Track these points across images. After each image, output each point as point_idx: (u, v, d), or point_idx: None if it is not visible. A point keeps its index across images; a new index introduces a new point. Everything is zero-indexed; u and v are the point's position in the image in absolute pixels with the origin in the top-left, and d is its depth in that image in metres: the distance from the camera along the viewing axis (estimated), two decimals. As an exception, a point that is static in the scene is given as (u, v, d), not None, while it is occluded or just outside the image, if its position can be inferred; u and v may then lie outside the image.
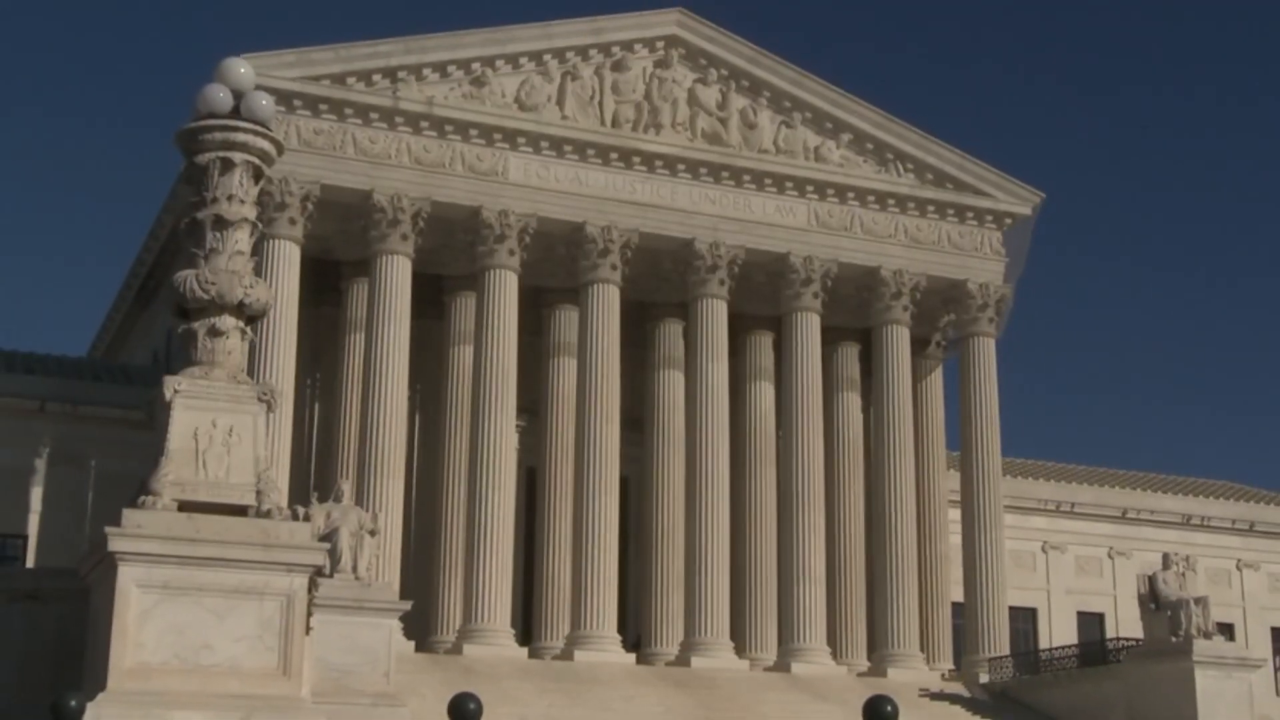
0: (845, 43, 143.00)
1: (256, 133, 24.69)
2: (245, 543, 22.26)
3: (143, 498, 22.49)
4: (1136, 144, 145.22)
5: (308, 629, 23.11)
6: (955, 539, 58.95)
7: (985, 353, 59.21)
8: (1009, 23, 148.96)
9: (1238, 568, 70.80)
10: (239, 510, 22.79)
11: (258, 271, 27.13)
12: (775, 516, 56.46)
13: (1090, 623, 66.11)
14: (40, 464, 53.21)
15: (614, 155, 54.97)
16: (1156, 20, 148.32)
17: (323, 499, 38.60)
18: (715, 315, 55.70)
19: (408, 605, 38.50)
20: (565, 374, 55.86)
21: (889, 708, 13.76)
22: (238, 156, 24.55)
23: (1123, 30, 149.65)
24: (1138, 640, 50.63)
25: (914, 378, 59.85)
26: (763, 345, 59.14)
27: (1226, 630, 60.38)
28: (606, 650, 50.95)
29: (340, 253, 54.45)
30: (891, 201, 58.70)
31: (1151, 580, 48.43)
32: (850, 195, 58.10)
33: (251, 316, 24.45)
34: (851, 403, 60.15)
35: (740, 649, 53.96)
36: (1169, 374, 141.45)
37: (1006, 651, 55.84)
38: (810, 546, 55.14)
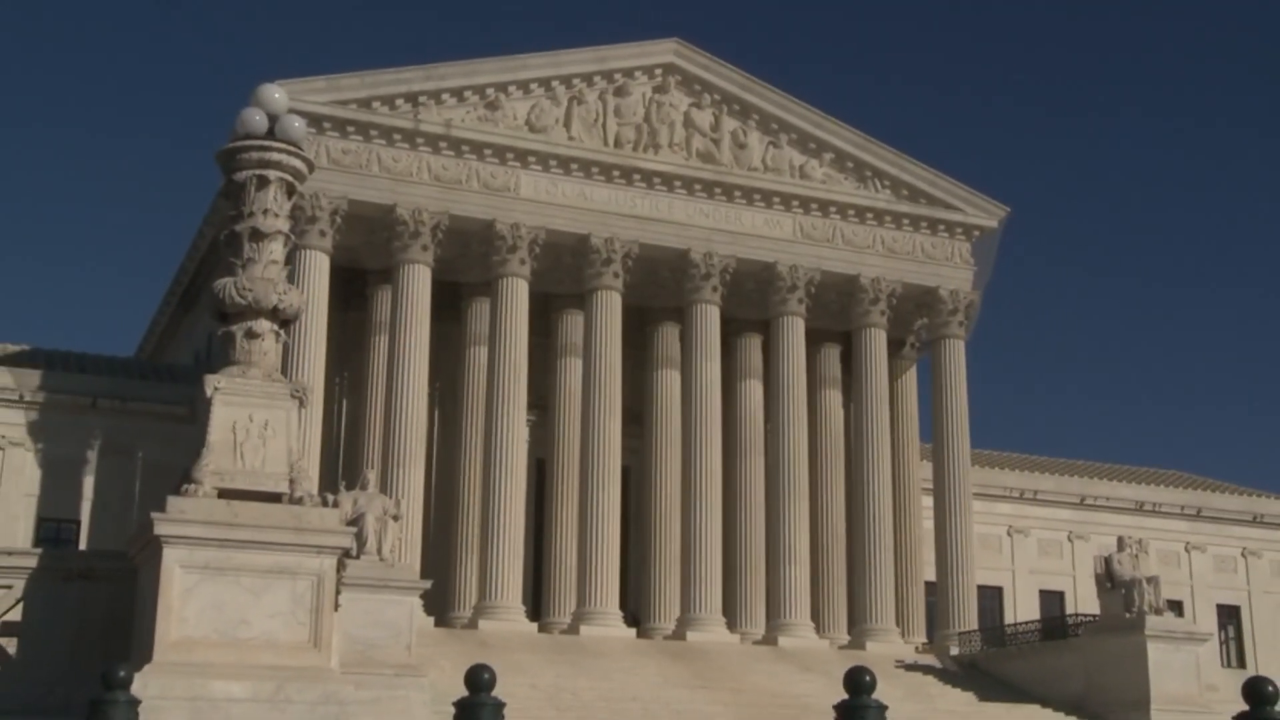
0: (828, 68, 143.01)
1: (289, 152, 24.73)
2: (279, 527, 22.31)
3: (185, 486, 22.53)
4: (1095, 162, 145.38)
5: (336, 605, 23.15)
6: (928, 523, 58.91)
7: (955, 353, 59.22)
8: (979, 50, 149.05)
9: (1186, 550, 70.74)
10: (273, 497, 22.83)
11: (290, 279, 27.16)
12: (764, 503, 56.38)
13: (1051, 600, 66.11)
14: (92, 455, 53.24)
15: (616, 173, 54.96)
16: (1115, 48, 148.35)
17: (350, 487, 38.58)
18: (709, 319, 55.71)
19: (428, 584, 38.45)
20: (572, 373, 55.83)
21: (868, 678, 13.77)
22: (272, 174, 24.60)
23: (1082, 59, 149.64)
24: (1095, 616, 50.53)
25: (890, 376, 59.81)
26: (752, 346, 59.07)
27: (1176, 607, 60.36)
28: (609, 625, 50.94)
29: (366, 262, 54.42)
30: (870, 215, 58.65)
31: (1107, 561, 48.36)
32: (832, 209, 58.09)
33: (285, 320, 24.48)
34: (833, 399, 60.16)
35: (732, 624, 53.90)
36: (1124, 372, 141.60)
37: (975, 626, 55.79)
38: (796, 530, 55.17)
